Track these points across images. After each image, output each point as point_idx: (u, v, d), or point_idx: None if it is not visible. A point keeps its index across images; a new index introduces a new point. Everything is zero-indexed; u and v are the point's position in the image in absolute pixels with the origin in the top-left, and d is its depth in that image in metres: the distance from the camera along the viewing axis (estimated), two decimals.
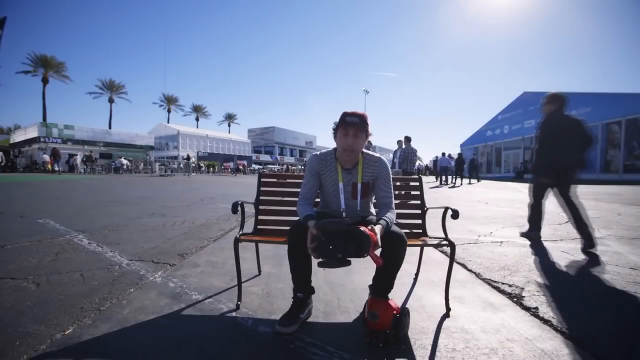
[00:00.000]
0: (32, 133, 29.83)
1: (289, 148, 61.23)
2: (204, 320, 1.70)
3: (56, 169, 22.35)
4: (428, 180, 18.03)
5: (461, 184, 15.70)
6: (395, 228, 1.61)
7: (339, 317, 1.77)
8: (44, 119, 35.86)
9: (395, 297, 1.74)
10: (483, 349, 1.46)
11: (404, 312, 1.53)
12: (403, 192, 2.45)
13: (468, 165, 18.19)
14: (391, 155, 11.20)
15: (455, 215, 1.85)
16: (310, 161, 1.84)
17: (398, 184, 2.37)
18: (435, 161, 20.81)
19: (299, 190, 1.88)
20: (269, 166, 46.51)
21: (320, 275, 2.25)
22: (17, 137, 33.41)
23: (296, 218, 1.75)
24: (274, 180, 2.47)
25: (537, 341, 1.52)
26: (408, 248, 1.61)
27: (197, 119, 59.16)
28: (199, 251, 3.02)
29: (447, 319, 1.74)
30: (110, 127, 40.49)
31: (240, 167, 36.68)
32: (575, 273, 2.49)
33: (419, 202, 2.24)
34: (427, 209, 2.19)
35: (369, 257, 1.36)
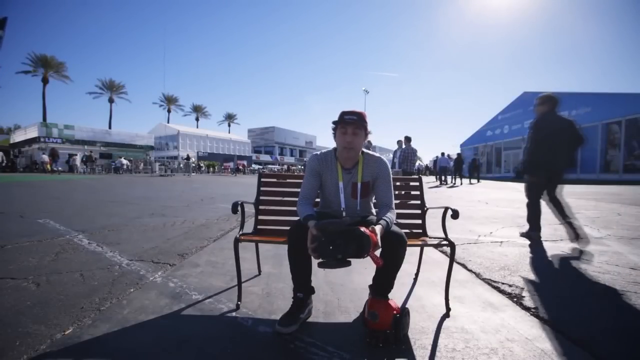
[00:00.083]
0: (32, 133, 29.83)
1: (289, 148, 61.23)
2: (204, 320, 1.70)
3: (55, 168, 22.35)
4: (428, 181, 18.03)
5: (461, 184, 15.71)
6: (395, 228, 1.61)
7: (339, 317, 1.77)
8: (44, 119, 35.88)
9: (395, 297, 1.74)
10: (483, 349, 1.46)
11: (404, 312, 1.53)
12: (403, 192, 2.45)
13: (470, 165, 18.19)
14: (391, 155, 11.20)
15: (455, 215, 1.85)
16: (310, 161, 1.84)
17: (398, 184, 2.37)
18: (435, 161, 20.84)
19: (299, 190, 1.88)
20: (269, 166, 46.51)
21: (320, 275, 2.25)
22: (17, 137, 33.40)
23: (296, 218, 1.75)
24: (274, 180, 2.47)
25: (537, 341, 1.52)
26: (408, 248, 1.61)
27: (197, 119, 59.22)
28: (199, 251, 3.02)
29: (447, 319, 1.74)
30: (110, 127, 40.50)
31: (240, 167, 36.69)
32: (576, 273, 2.49)
33: (419, 202, 2.24)
34: (427, 209, 2.19)
35: (369, 258, 1.36)
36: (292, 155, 60.84)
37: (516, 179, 4.24)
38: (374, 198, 1.87)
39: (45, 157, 23.18)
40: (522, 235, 3.76)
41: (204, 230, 3.96)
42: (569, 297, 2.04)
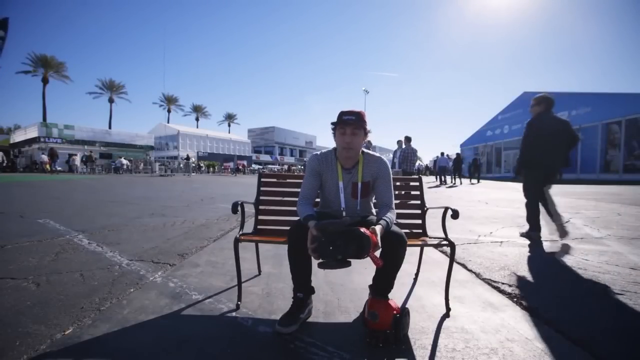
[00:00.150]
0: (32, 133, 29.82)
1: (289, 148, 61.22)
2: (204, 320, 1.70)
3: (54, 168, 22.35)
4: (428, 181, 18.04)
5: (461, 183, 15.73)
6: (395, 228, 1.61)
7: (339, 317, 1.77)
8: (44, 119, 35.87)
9: (395, 297, 1.74)
10: (483, 349, 1.46)
11: (404, 312, 1.53)
12: (403, 192, 2.45)
13: (471, 165, 18.18)
14: (391, 155, 11.20)
15: (455, 215, 1.85)
16: (310, 161, 1.84)
17: (398, 184, 2.37)
18: (435, 161, 20.88)
19: (299, 190, 1.88)
20: (269, 166, 46.51)
21: (320, 275, 2.25)
22: (17, 137, 33.39)
23: (296, 218, 1.75)
24: (274, 180, 2.47)
25: (537, 341, 1.52)
26: (408, 248, 1.61)
27: (197, 119, 59.20)
28: (199, 251, 3.02)
29: (447, 319, 1.74)
30: (110, 127, 40.49)
31: (240, 167, 36.69)
32: (576, 273, 2.49)
33: (419, 202, 2.24)
34: (427, 209, 2.19)
35: (369, 258, 1.36)
36: (292, 155, 60.83)
37: (516, 179, 4.31)
38: (374, 198, 1.87)
39: (45, 157, 23.18)
40: (522, 235, 3.76)
41: (204, 230, 3.96)
42: (569, 297, 2.04)
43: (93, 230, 3.79)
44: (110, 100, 45.51)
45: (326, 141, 65.67)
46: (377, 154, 1.82)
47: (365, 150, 1.81)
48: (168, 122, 50.29)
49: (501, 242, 3.52)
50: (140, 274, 2.35)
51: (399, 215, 1.97)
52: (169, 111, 54.41)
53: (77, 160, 25.16)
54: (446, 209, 1.93)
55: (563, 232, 3.58)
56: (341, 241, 1.35)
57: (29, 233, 3.57)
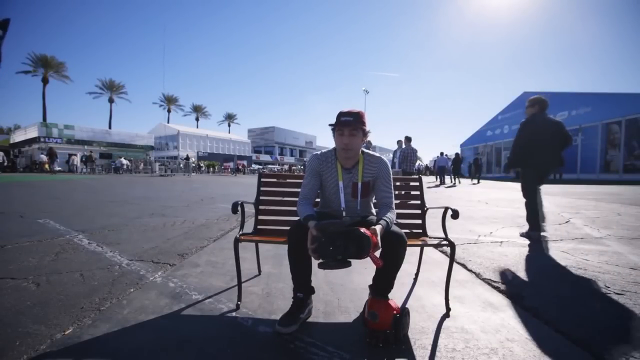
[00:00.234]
0: (32, 133, 29.82)
1: (289, 148, 61.22)
2: (204, 320, 1.70)
3: (53, 168, 22.34)
4: (428, 181, 18.05)
5: (459, 183, 15.76)
6: (395, 228, 1.61)
7: (339, 317, 1.77)
8: (44, 119, 35.87)
9: (395, 297, 1.74)
10: (483, 349, 1.46)
11: (404, 312, 1.53)
12: (403, 192, 2.45)
13: (472, 164, 18.18)
14: (391, 155, 11.20)
15: (455, 215, 1.85)
16: (310, 161, 1.84)
17: (398, 184, 2.37)
18: (435, 161, 20.92)
19: (299, 190, 1.88)
20: (269, 166, 46.51)
21: (320, 275, 2.25)
22: (17, 137, 33.39)
23: (296, 218, 1.75)
24: (274, 180, 2.47)
25: (537, 341, 1.52)
26: (408, 248, 1.61)
27: (197, 119, 59.20)
28: (199, 251, 3.02)
29: (447, 319, 1.74)
30: (110, 127, 40.49)
31: (240, 167, 36.68)
32: (576, 273, 2.49)
33: (419, 202, 2.24)
34: (427, 209, 2.19)
35: (369, 258, 1.36)
36: (292, 155, 60.83)
37: (516, 178, 4.37)
38: (374, 198, 1.87)
39: (44, 157, 23.18)
40: (522, 235, 3.77)
41: (204, 230, 3.96)
42: (569, 297, 2.04)
43: (93, 230, 3.79)
44: (110, 100, 45.52)
45: (326, 141, 65.71)
46: (377, 154, 1.82)
47: (365, 150, 1.81)
48: (168, 122, 50.28)
49: (501, 242, 3.52)
50: (140, 274, 2.35)
51: (399, 215, 1.97)
52: (169, 111, 54.44)
53: (76, 160, 25.15)
54: (446, 209, 1.93)
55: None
56: (341, 241, 1.35)
57: (29, 233, 3.57)
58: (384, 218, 1.58)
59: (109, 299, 1.91)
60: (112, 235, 3.61)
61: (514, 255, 2.98)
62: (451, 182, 16.96)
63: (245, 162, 40.45)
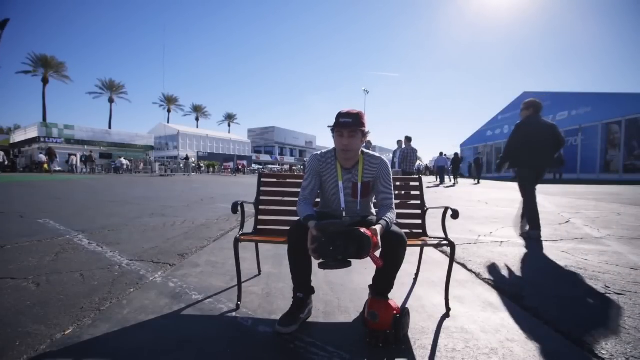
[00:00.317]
0: (32, 133, 29.82)
1: (289, 148, 61.22)
2: (204, 320, 1.70)
3: (52, 168, 22.35)
4: (428, 181, 18.07)
5: (457, 183, 15.82)
6: (395, 228, 1.61)
7: (339, 317, 1.77)
8: (44, 119, 35.87)
9: (395, 297, 1.74)
10: (483, 349, 1.46)
11: (404, 312, 1.53)
12: (403, 192, 2.45)
13: (473, 164, 18.21)
14: (391, 155, 11.19)
15: (455, 215, 1.85)
16: (310, 161, 1.84)
17: (398, 184, 2.37)
18: (435, 161, 20.97)
19: (299, 190, 1.88)
20: (269, 166, 46.51)
21: (320, 275, 2.25)
22: (17, 137, 33.40)
23: (296, 218, 1.75)
24: (274, 180, 2.47)
25: (537, 341, 1.52)
26: (408, 248, 1.61)
27: (197, 119, 59.19)
28: (199, 251, 3.02)
29: (447, 319, 1.74)
30: (110, 127, 40.49)
31: (240, 167, 36.69)
32: (576, 273, 2.49)
33: (419, 202, 2.24)
34: (427, 209, 2.18)
35: (369, 258, 1.36)
36: (292, 155, 60.84)
37: (515, 178, 4.43)
38: (374, 198, 1.87)
39: (43, 157, 23.19)
40: (522, 235, 3.77)
41: (204, 230, 3.96)
42: (569, 297, 2.04)
43: (93, 230, 3.79)
44: (110, 100, 45.52)
45: (326, 141, 65.68)
46: (377, 154, 1.82)
47: (365, 150, 1.81)
48: (168, 122, 50.27)
49: (501, 242, 3.52)
50: (140, 274, 2.35)
51: (399, 215, 1.97)
52: (169, 111, 54.44)
53: (75, 160, 25.17)
54: (446, 209, 1.93)
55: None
56: (341, 241, 1.35)
57: (29, 233, 3.57)
58: (384, 218, 1.58)
59: (109, 299, 1.91)
60: (112, 235, 3.61)
61: (514, 255, 2.98)
62: (450, 181, 17.04)
63: (245, 162, 40.45)
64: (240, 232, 1.89)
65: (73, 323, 1.62)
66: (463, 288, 2.19)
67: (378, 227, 1.48)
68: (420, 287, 2.22)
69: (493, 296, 2.06)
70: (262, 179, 2.31)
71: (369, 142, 9.82)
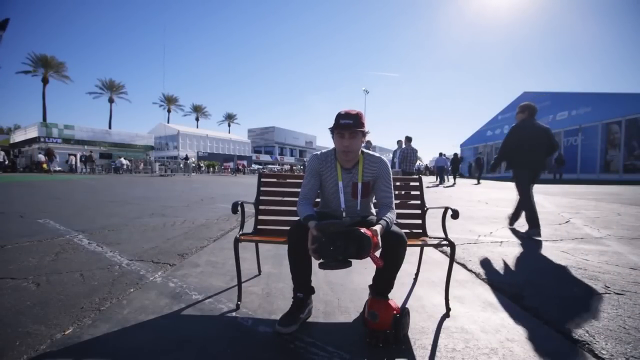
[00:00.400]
0: (32, 133, 29.83)
1: (289, 148, 61.23)
2: (204, 320, 1.70)
3: (51, 168, 22.36)
4: (428, 181, 18.09)
5: (455, 183, 15.87)
6: (395, 228, 1.61)
7: (339, 317, 1.77)
8: (44, 119, 35.87)
9: (395, 297, 1.74)
10: (483, 349, 1.46)
11: (404, 312, 1.53)
12: (403, 192, 2.45)
13: (474, 164, 18.25)
14: (391, 155, 11.19)
15: (455, 215, 1.85)
16: (310, 161, 1.84)
17: (398, 184, 2.37)
18: (435, 162, 21.04)
19: (299, 190, 1.88)
20: (269, 166, 46.51)
21: (320, 275, 2.25)
22: (17, 137, 33.41)
23: (296, 218, 1.75)
24: (274, 180, 2.47)
25: (537, 341, 1.52)
26: (408, 248, 1.61)
27: (197, 119, 59.19)
28: (199, 251, 3.02)
29: (447, 319, 1.74)
30: (110, 127, 40.49)
31: (240, 167, 36.69)
32: (575, 273, 2.49)
33: (419, 202, 2.24)
34: (427, 209, 2.18)
35: (369, 258, 1.36)
36: (292, 155, 60.85)
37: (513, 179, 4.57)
38: (374, 198, 1.87)
39: (42, 157, 23.21)
40: (522, 235, 3.78)
41: (204, 230, 3.96)
42: (568, 297, 2.04)
43: (93, 230, 3.79)
44: (110, 100, 45.52)
45: (326, 141, 65.67)
46: (377, 154, 1.82)
47: (365, 150, 1.81)
48: (168, 122, 50.28)
49: (501, 242, 3.52)
50: (140, 274, 2.35)
51: (399, 215, 1.97)
52: (169, 111, 54.44)
53: (74, 160, 25.19)
54: (446, 209, 1.93)
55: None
56: (341, 241, 1.35)
57: (29, 233, 3.57)
58: (384, 218, 1.58)
59: (109, 299, 1.91)
60: (112, 235, 3.61)
61: (514, 255, 2.98)
62: (447, 180, 17.12)
63: (245, 162, 40.47)
64: (240, 232, 1.89)
65: (73, 323, 1.62)
66: (463, 288, 2.19)
67: (378, 227, 1.48)
68: (420, 287, 2.22)
69: (493, 296, 2.06)
70: (262, 179, 2.31)
71: (369, 142, 9.82)
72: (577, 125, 19.02)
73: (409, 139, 8.99)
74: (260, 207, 2.22)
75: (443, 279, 1.92)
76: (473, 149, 29.65)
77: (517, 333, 1.60)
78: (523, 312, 1.84)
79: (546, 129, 3.88)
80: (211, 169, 35.45)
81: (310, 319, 1.72)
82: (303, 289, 1.70)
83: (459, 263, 2.73)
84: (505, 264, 2.71)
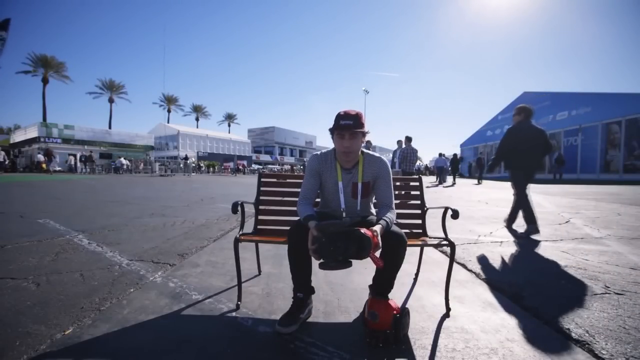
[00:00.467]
0: (32, 133, 29.83)
1: (289, 148, 61.23)
2: (204, 320, 1.70)
3: (54, 168, 22.37)
4: (429, 181, 18.10)
5: (455, 183, 15.89)
6: (395, 228, 1.61)
7: (339, 317, 1.77)
8: (44, 119, 35.86)
9: (395, 297, 1.74)
10: (483, 349, 1.46)
11: (404, 312, 1.53)
12: (403, 192, 2.45)
13: (475, 164, 18.29)
14: (391, 155, 11.19)
15: (455, 215, 1.85)
16: (310, 161, 1.84)
17: (398, 184, 2.37)
18: (435, 162, 21.09)
19: (299, 190, 1.88)
20: (269, 166, 46.51)
21: (320, 275, 2.25)
22: (17, 137, 33.42)
23: (296, 218, 1.75)
24: (274, 180, 2.47)
25: (537, 341, 1.52)
26: (408, 248, 1.61)
27: (197, 119, 59.18)
28: (199, 251, 3.02)
29: (447, 319, 1.74)
30: (110, 127, 40.50)
31: (240, 167, 36.69)
32: (575, 273, 2.49)
33: (419, 202, 2.24)
34: (427, 209, 2.18)
35: (369, 258, 1.36)
36: (292, 155, 60.85)
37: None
38: (374, 198, 1.87)
39: (41, 157, 23.23)
40: (522, 234, 3.79)
41: (204, 230, 3.96)
42: (569, 297, 2.04)
43: (93, 230, 3.79)
44: (110, 100, 45.50)
45: (326, 141, 65.66)
46: (377, 154, 1.82)
47: (365, 150, 1.81)
48: (168, 122, 50.26)
49: (501, 242, 3.52)
50: (140, 274, 2.35)
51: (399, 215, 1.97)
52: (169, 111, 54.42)
53: (73, 160, 25.22)
54: (446, 209, 1.93)
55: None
56: (342, 242, 1.35)
57: (29, 233, 3.57)
58: (384, 218, 1.58)
59: (109, 299, 1.91)
60: (112, 235, 3.61)
61: (514, 255, 2.98)
62: (445, 181, 17.18)
63: (245, 162, 40.47)
64: (240, 232, 1.89)
65: (73, 323, 1.62)
66: (463, 288, 2.19)
67: (378, 228, 1.48)
68: (420, 287, 2.22)
69: (493, 296, 2.06)
70: (262, 179, 2.31)
71: (369, 142, 9.82)
72: (577, 125, 19.02)
73: (409, 139, 8.99)
74: (260, 207, 2.22)
75: (443, 279, 1.92)
76: (473, 149, 29.64)
77: (517, 333, 1.60)
78: (523, 312, 1.84)
79: (541, 131, 3.96)
80: (211, 169, 35.45)
81: (310, 319, 1.72)
82: (303, 289, 1.70)
83: (459, 263, 2.73)
84: (505, 264, 2.71)
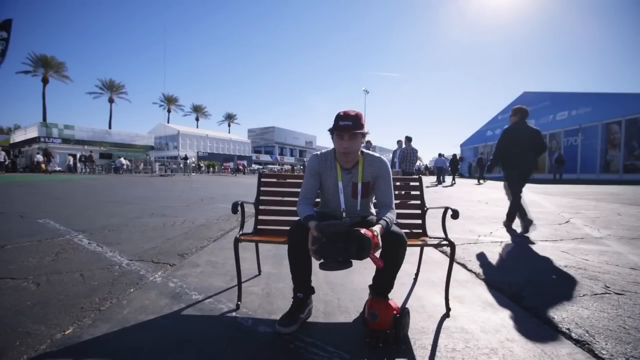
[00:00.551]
0: (32, 133, 29.83)
1: (289, 148, 61.23)
2: (204, 320, 1.70)
3: (53, 168, 22.39)
4: (429, 181, 18.10)
5: (454, 183, 15.91)
6: (395, 228, 1.61)
7: (339, 317, 1.77)
8: (44, 119, 35.85)
9: (395, 297, 1.74)
10: (483, 349, 1.46)
11: (404, 312, 1.53)
12: (403, 192, 2.45)
13: (476, 164, 18.31)
14: (391, 155, 11.19)
15: (455, 215, 1.85)
16: (310, 161, 1.84)
17: (398, 184, 2.37)
18: (434, 162, 21.12)
19: (299, 190, 1.88)
20: (269, 166, 46.51)
21: (320, 275, 2.25)
22: (17, 137, 33.42)
23: (296, 218, 1.75)
24: (274, 180, 2.47)
25: (537, 341, 1.52)
26: (408, 248, 1.61)
27: (197, 119, 59.15)
28: (199, 251, 3.02)
29: (447, 319, 1.74)
30: (110, 127, 40.48)
31: (240, 167, 36.69)
32: (575, 273, 2.49)
33: (419, 202, 2.24)
34: (427, 209, 2.18)
35: (369, 258, 1.36)
36: (292, 155, 60.84)
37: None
38: (373, 198, 1.87)
39: (40, 157, 23.25)
40: (521, 234, 3.80)
41: (204, 230, 3.96)
42: (569, 297, 2.04)
43: (93, 230, 3.79)
44: (110, 100, 45.49)
45: (326, 141, 65.64)
46: (377, 154, 1.82)
47: (365, 150, 1.81)
48: (168, 122, 50.25)
49: (501, 242, 3.52)
50: (140, 274, 2.35)
51: (399, 215, 1.97)
52: (169, 111, 54.40)
53: (71, 160, 25.25)
54: (446, 209, 1.93)
55: (525, 229, 3.92)
56: (342, 242, 1.35)
57: (29, 233, 3.57)
58: (384, 218, 1.58)
59: (109, 299, 1.91)
60: (112, 235, 3.61)
61: (514, 255, 2.98)
62: (444, 180, 17.22)
63: (245, 162, 40.46)
64: (240, 232, 1.89)
65: (73, 323, 1.62)
66: (463, 288, 2.19)
67: (378, 228, 1.48)
68: (420, 287, 2.22)
69: (493, 296, 2.06)
70: (262, 179, 2.31)
71: (369, 142, 9.81)
72: (577, 125, 19.02)
73: (409, 139, 8.99)
74: (260, 207, 2.22)
75: (443, 279, 1.92)
76: (473, 149, 29.64)
77: (517, 333, 1.60)
78: (523, 312, 1.84)
79: (536, 131, 4.03)
80: (211, 169, 35.45)
81: (310, 319, 1.72)
82: (303, 289, 1.70)
83: (459, 263, 2.73)
84: (505, 264, 2.71)
